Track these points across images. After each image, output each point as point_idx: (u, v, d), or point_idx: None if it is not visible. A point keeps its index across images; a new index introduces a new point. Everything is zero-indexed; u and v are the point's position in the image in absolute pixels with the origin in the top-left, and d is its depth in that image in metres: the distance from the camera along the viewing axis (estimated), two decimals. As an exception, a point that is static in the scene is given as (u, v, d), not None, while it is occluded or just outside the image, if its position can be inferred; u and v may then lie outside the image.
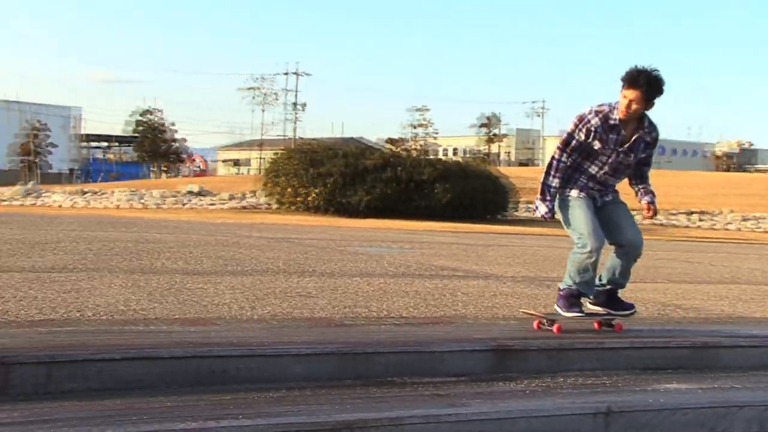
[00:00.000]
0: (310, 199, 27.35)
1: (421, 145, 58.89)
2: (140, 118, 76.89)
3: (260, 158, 72.62)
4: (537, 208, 5.73)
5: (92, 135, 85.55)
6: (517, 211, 31.11)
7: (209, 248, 10.97)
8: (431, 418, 4.09)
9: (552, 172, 5.68)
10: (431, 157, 39.48)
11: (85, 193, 33.79)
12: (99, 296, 6.15)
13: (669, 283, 9.90)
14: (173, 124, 77.82)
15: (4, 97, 76.95)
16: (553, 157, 5.72)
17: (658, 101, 5.58)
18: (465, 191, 27.34)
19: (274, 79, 74.29)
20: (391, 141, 59.20)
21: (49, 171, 68.78)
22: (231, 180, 47.33)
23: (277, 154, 32.27)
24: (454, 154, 78.98)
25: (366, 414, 4.05)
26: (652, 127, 5.72)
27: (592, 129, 5.60)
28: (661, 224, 32.03)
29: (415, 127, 65.54)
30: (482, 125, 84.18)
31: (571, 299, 5.77)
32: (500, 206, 29.49)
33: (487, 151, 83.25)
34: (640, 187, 5.95)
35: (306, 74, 76.75)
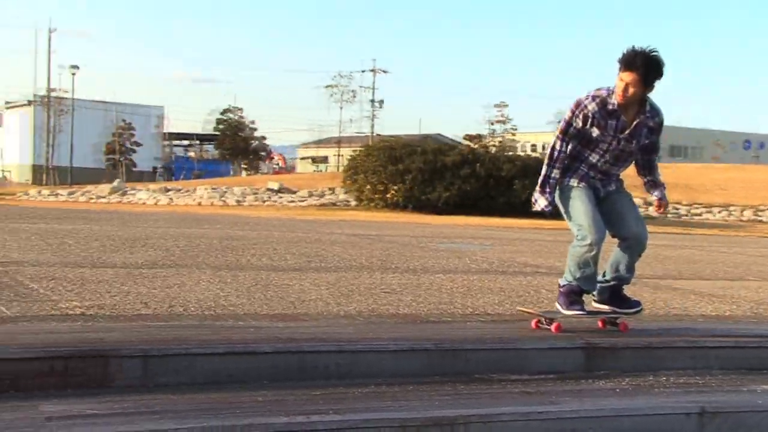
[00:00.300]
0: (389, 195, 27.46)
1: (500, 142, 58.45)
2: (221, 116, 78.19)
3: (338, 155, 73.16)
4: (536, 200, 5.42)
5: (176, 133, 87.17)
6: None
7: (292, 245, 11.10)
8: (520, 416, 4.06)
9: (552, 163, 5.37)
10: (511, 153, 39.26)
11: (168, 190, 34.50)
12: (188, 292, 6.27)
13: (761, 281, 9.64)
14: (253, 122, 78.93)
15: (100, 97, 79.05)
16: (552, 147, 5.40)
17: (658, 84, 5.20)
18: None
19: (353, 77, 74.68)
20: (469, 137, 58.92)
21: (136, 169, 70.41)
22: (310, 177, 47.72)
23: (355, 151, 32.45)
24: (533, 150, 78.31)
25: (454, 411, 4.03)
26: (655, 112, 5.34)
27: (590, 115, 5.27)
28: (749, 220, 31.24)
29: (493, 124, 65.17)
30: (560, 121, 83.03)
31: (572, 296, 5.44)
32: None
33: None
34: (649, 178, 5.60)
35: (384, 71, 76.95)
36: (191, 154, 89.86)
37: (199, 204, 30.01)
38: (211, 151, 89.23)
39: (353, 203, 29.75)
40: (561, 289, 5.53)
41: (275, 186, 34.27)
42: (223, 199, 31.20)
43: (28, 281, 6.36)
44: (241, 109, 79.59)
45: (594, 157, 5.40)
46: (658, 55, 5.13)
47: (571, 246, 5.45)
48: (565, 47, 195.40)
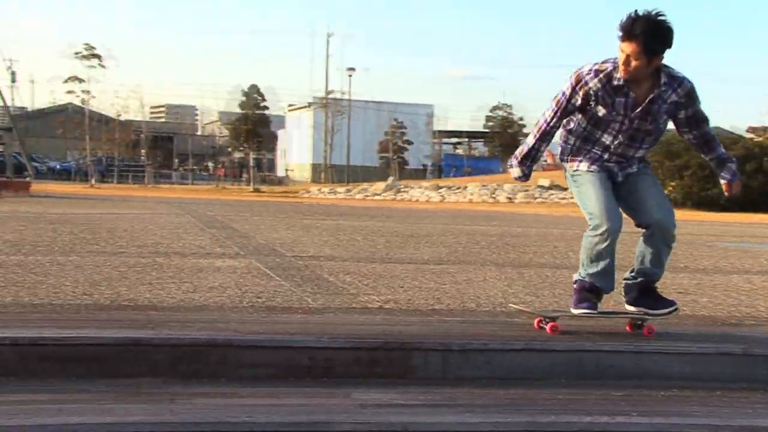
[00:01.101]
0: (666, 192, 26.49)
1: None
2: (490, 113, 78.90)
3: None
4: (511, 166, 4.88)
5: (446, 131, 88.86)
6: None
7: (573, 242, 10.95)
8: None
9: (539, 135, 4.76)
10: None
11: (440, 188, 35.29)
12: (477, 288, 6.36)
13: None
14: (521, 119, 78.91)
15: (372, 97, 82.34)
16: (543, 119, 4.75)
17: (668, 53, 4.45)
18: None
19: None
20: (752, 129, 55.37)
21: (407, 167, 72.63)
22: (581, 173, 46.91)
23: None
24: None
25: (769, 421, 3.80)
26: (676, 82, 4.59)
27: (591, 93, 4.59)
28: None
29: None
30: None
31: (583, 293, 4.85)
32: None
33: None
34: (711, 156, 4.83)
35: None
36: (460, 151, 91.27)
37: (470, 201, 30.46)
38: (479, 148, 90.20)
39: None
40: (574, 287, 4.96)
41: (546, 183, 34.08)
42: (493, 196, 31.48)
43: (326, 275, 6.73)
44: (510, 106, 79.86)
45: (607, 139, 4.73)
46: (662, 20, 4.43)
47: (584, 237, 4.87)
48: None
